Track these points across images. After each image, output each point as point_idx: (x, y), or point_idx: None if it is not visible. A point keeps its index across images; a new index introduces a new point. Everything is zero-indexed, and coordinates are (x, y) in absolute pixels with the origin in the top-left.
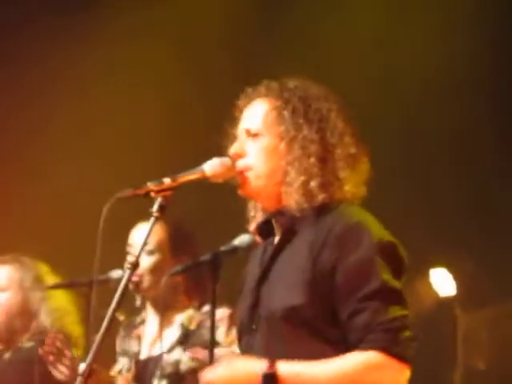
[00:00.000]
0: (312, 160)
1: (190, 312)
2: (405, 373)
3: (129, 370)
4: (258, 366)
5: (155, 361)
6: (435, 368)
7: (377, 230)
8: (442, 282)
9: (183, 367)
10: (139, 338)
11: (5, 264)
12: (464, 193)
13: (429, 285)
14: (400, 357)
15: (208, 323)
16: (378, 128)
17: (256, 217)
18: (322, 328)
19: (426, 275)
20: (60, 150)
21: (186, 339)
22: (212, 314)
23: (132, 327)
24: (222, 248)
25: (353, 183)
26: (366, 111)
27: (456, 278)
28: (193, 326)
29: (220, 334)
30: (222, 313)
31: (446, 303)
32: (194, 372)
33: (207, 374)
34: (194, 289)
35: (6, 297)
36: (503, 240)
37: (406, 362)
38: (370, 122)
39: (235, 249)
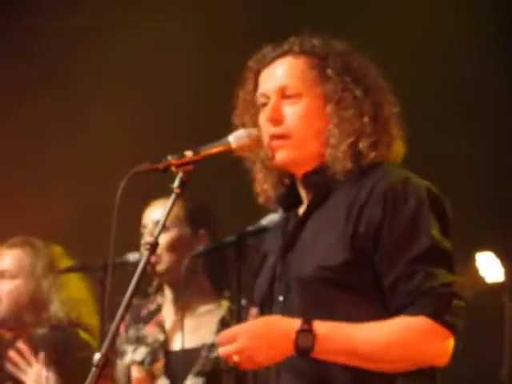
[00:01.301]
0: (365, 119)
1: (226, 305)
2: (451, 342)
3: (154, 361)
4: (292, 323)
5: (191, 355)
6: (480, 360)
7: (426, 185)
8: (489, 267)
9: (223, 366)
10: (161, 327)
11: (14, 248)
12: None
13: (474, 270)
14: (449, 325)
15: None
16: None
17: (269, 189)
18: (361, 291)
19: (471, 259)
20: (76, 121)
21: None
22: (238, 300)
23: (144, 312)
24: (249, 228)
25: (400, 142)
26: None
27: (504, 262)
28: (234, 321)
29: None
30: None
31: (493, 290)
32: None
33: (240, 328)
34: (217, 273)
35: (15, 284)
36: None
37: (455, 331)
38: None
39: (263, 229)
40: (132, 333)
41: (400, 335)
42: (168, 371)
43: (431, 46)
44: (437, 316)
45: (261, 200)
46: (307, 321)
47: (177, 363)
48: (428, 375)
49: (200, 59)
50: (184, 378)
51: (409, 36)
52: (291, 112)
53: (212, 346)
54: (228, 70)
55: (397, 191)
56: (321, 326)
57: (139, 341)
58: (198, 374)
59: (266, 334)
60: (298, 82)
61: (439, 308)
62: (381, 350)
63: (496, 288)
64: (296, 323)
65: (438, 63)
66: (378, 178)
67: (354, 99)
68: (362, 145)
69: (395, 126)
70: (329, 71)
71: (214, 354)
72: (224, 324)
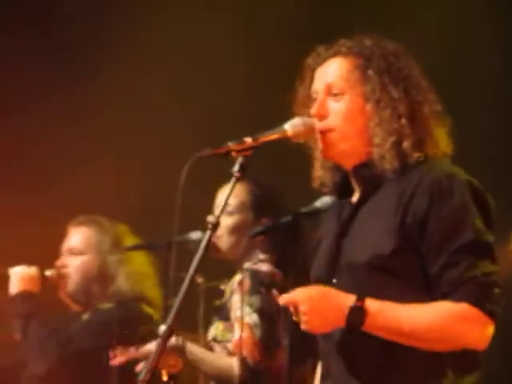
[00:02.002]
0: (403, 120)
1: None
2: (491, 329)
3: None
4: (347, 298)
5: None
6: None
7: (470, 180)
8: None
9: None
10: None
11: (82, 226)
12: None
13: (509, 251)
14: (490, 313)
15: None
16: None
17: (325, 176)
18: (407, 277)
19: (506, 240)
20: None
21: (220, 309)
22: (294, 281)
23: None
24: (303, 209)
25: (443, 140)
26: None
27: None
28: (227, 294)
29: (234, 301)
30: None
31: None
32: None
33: (298, 293)
34: (273, 251)
35: (83, 260)
36: None
37: (494, 318)
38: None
39: (317, 211)
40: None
41: (443, 319)
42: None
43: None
44: (478, 304)
45: (315, 184)
46: (360, 298)
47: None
48: (469, 357)
49: (253, 53)
50: None
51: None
52: (334, 108)
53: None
54: (280, 63)
55: (443, 184)
56: (372, 304)
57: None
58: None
59: (322, 304)
60: (343, 81)
61: (481, 296)
62: (423, 331)
63: None
64: (350, 299)
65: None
66: (423, 172)
67: (391, 100)
68: (406, 145)
69: (437, 125)
70: (370, 72)
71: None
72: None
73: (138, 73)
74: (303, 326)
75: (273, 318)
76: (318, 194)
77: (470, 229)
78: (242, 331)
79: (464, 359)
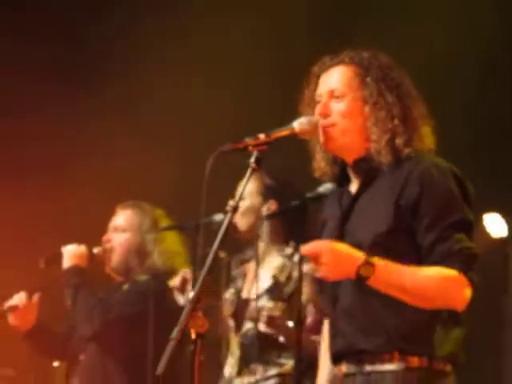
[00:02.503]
0: (396, 121)
1: (280, 261)
2: (470, 293)
3: (231, 303)
4: (359, 254)
5: (249, 303)
6: (489, 297)
7: (452, 169)
8: (495, 225)
9: (263, 316)
10: (244, 276)
11: (126, 209)
12: None
13: (484, 228)
14: (471, 279)
15: (295, 274)
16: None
17: (325, 167)
18: (403, 252)
19: (481, 219)
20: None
21: (275, 290)
22: (300, 262)
23: (240, 262)
24: (308, 194)
25: (428, 137)
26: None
27: (508, 221)
28: (283, 278)
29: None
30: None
31: (499, 244)
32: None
33: (312, 244)
34: (291, 232)
35: (125, 237)
36: None
37: (474, 284)
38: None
39: (320, 195)
40: (233, 274)
41: (438, 279)
42: (234, 316)
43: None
44: (464, 271)
45: (316, 175)
46: (370, 255)
47: (241, 310)
48: (453, 316)
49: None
50: (243, 321)
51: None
52: (336, 108)
53: (260, 296)
54: (296, 65)
55: (432, 173)
56: (379, 261)
57: (232, 281)
58: (252, 319)
59: (340, 257)
60: (344, 86)
61: (466, 265)
62: (421, 288)
63: (501, 242)
64: (361, 254)
65: None
66: (413, 164)
67: (386, 103)
68: (399, 142)
69: (424, 125)
70: (368, 79)
71: (259, 304)
72: (273, 279)
73: (173, 66)
74: (321, 274)
75: None
76: (321, 181)
77: (457, 209)
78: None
79: (450, 317)
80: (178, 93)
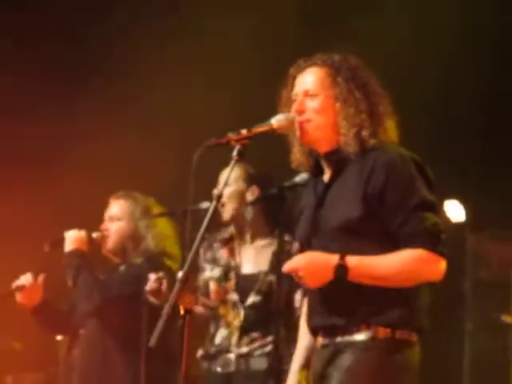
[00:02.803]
0: (363, 115)
1: (268, 240)
2: (444, 264)
3: (225, 279)
4: (332, 258)
5: (253, 278)
6: (446, 278)
7: (414, 157)
8: (454, 210)
9: (275, 287)
10: (233, 253)
11: (120, 199)
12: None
13: (444, 213)
14: (441, 253)
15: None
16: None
17: (301, 159)
18: (372, 236)
19: (441, 205)
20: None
21: (278, 265)
22: (279, 237)
23: (218, 240)
24: (286, 184)
25: (392, 130)
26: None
27: (466, 207)
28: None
29: None
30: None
31: (457, 227)
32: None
33: (290, 262)
34: (271, 218)
35: (120, 225)
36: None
37: (445, 257)
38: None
39: (296, 185)
40: (209, 255)
41: (408, 263)
42: (237, 289)
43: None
44: (432, 248)
45: (293, 165)
46: (342, 257)
47: (243, 283)
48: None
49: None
50: (248, 294)
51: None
52: (311, 105)
53: (267, 272)
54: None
55: (395, 162)
56: (351, 260)
57: (215, 262)
58: (258, 292)
59: (315, 267)
60: (317, 86)
61: (432, 242)
62: (394, 274)
63: (459, 226)
64: (334, 259)
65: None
66: (378, 154)
67: (355, 100)
68: (365, 134)
69: (389, 120)
70: (339, 79)
71: (268, 278)
72: (275, 255)
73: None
74: (303, 284)
75: None
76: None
77: (419, 193)
78: None
79: (412, 291)
80: (177, 92)
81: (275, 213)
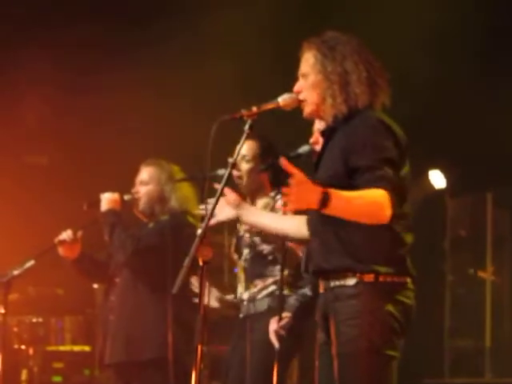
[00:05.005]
0: (335, 86)
1: (266, 200)
2: (390, 212)
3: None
4: (319, 189)
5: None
6: (430, 236)
7: (384, 119)
8: (437, 179)
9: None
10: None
11: (148, 165)
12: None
13: (427, 181)
14: (392, 198)
15: (276, 205)
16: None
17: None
18: (349, 184)
19: (426, 175)
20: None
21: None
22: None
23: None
24: (291, 154)
25: (369, 95)
26: None
27: (446, 176)
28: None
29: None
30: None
31: (439, 193)
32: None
33: (296, 177)
34: (275, 182)
35: (148, 188)
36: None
37: (394, 202)
38: None
39: (300, 155)
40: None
41: (372, 194)
42: (236, 251)
43: None
44: (387, 189)
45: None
46: (327, 188)
47: (240, 243)
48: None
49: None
50: (241, 251)
51: None
52: (304, 85)
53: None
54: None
55: (366, 124)
56: (331, 190)
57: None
58: (245, 246)
59: (304, 188)
60: (308, 66)
61: (389, 186)
62: (365, 205)
63: (441, 192)
64: (320, 188)
65: None
66: (357, 119)
67: (339, 75)
68: (338, 101)
69: (361, 86)
70: (318, 57)
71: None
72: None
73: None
74: (289, 205)
75: None
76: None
77: (381, 147)
78: None
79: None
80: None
81: (280, 180)
